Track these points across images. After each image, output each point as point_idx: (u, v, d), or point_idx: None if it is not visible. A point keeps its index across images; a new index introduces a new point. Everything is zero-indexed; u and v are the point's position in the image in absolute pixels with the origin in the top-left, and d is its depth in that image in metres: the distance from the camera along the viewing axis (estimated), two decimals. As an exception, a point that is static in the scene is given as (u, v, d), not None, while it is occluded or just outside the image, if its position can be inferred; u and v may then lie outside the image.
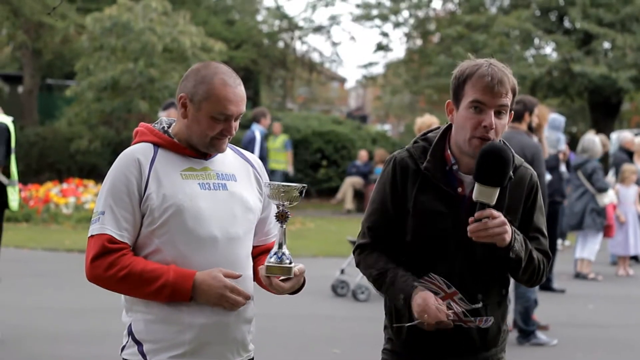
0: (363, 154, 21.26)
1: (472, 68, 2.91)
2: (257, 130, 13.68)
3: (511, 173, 2.91)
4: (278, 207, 2.88)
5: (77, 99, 20.55)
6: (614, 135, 16.62)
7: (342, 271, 9.75)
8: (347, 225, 16.01)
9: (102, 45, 19.34)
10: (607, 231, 11.81)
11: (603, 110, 24.10)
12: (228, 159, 3.05)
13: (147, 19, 18.95)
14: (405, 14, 25.90)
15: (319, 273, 9.79)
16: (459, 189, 2.98)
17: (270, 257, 2.87)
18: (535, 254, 3.01)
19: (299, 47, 30.31)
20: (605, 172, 13.93)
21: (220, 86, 2.88)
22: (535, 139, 7.55)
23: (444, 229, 2.96)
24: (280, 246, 2.87)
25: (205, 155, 2.98)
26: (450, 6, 26.69)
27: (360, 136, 23.47)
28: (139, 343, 2.89)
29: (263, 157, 13.28)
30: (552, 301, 9.64)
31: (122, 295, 2.95)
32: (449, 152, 3.00)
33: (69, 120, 21.77)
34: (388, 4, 25.52)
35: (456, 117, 2.95)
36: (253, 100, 26.80)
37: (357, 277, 9.25)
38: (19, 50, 25.19)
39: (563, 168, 10.76)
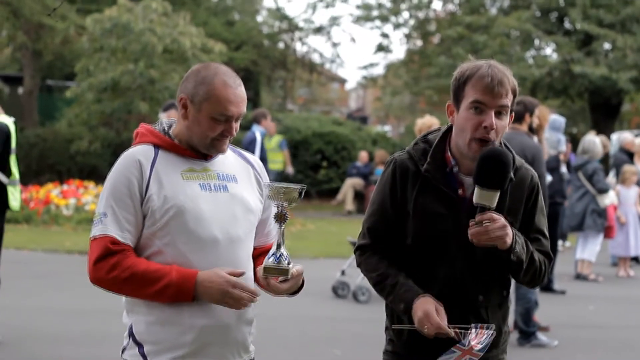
0: (363, 155, 21.25)
1: (472, 69, 2.92)
2: (258, 131, 13.65)
3: (512, 174, 2.91)
4: (277, 208, 2.88)
5: (77, 100, 20.54)
6: (615, 136, 16.60)
7: (343, 272, 9.74)
8: (347, 227, 15.98)
9: (102, 46, 19.32)
10: (607, 232, 11.81)
11: (603, 111, 24.10)
12: (229, 160, 3.04)
13: (147, 20, 18.94)
14: (406, 15, 25.94)
15: (320, 274, 9.79)
16: (460, 191, 2.98)
17: (268, 258, 2.87)
18: (536, 255, 3.01)
19: (299, 48, 30.36)
20: (606, 173, 13.92)
21: (220, 87, 2.88)
22: (535, 139, 7.55)
23: (444, 230, 2.96)
24: (278, 247, 2.87)
25: (206, 156, 2.97)
26: (451, 7, 26.70)
27: (360, 137, 23.46)
28: (139, 344, 2.89)
29: (264, 158, 13.26)
30: (552, 302, 9.64)
31: (123, 297, 2.95)
32: (449, 153, 3.00)
33: (69, 122, 21.77)
34: (388, 5, 25.53)
35: (457, 118, 2.96)
36: (253, 101, 26.78)
37: (357, 279, 9.24)
38: (19, 51, 25.20)
39: (564, 169, 10.75)
